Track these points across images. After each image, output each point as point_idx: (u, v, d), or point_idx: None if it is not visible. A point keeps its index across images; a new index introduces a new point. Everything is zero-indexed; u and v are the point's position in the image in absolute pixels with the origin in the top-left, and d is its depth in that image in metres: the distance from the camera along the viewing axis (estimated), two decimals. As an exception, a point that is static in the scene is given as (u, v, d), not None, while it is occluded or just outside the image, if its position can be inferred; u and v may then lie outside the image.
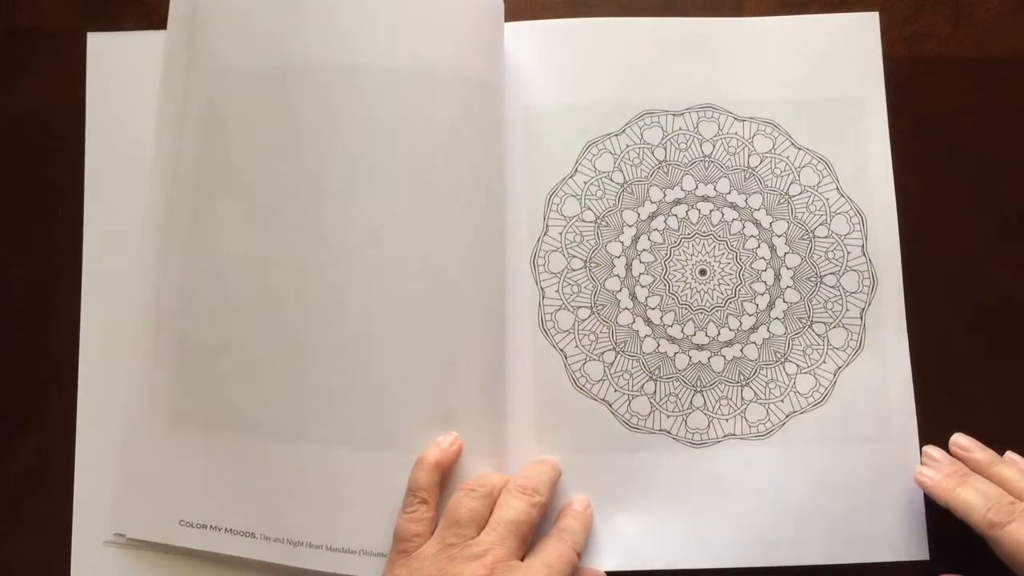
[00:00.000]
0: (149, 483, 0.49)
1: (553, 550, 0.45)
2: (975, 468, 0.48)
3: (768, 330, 0.51)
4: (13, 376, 0.52)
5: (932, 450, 0.49)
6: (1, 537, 0.51)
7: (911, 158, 0.52)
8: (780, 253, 0.52)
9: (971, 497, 0.45)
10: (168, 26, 0.53)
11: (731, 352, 0.51)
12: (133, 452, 0.50)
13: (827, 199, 0.52)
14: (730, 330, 0.51)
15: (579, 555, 0.46)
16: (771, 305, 0.51)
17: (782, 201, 0.52)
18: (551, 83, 0.53)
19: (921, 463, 0.49)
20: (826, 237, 0.52)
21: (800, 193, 0.52)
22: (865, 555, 0.48)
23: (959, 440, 0.49)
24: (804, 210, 0.52)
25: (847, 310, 0.51)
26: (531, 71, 0.53)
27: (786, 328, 0.51)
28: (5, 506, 0.51)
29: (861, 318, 0.51)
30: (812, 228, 0.52)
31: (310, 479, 0.48)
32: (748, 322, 0.51)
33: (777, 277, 0.51)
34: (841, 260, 0.51)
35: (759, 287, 0.51)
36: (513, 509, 0.45)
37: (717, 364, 0.51)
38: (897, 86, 0.53)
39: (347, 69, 0.50)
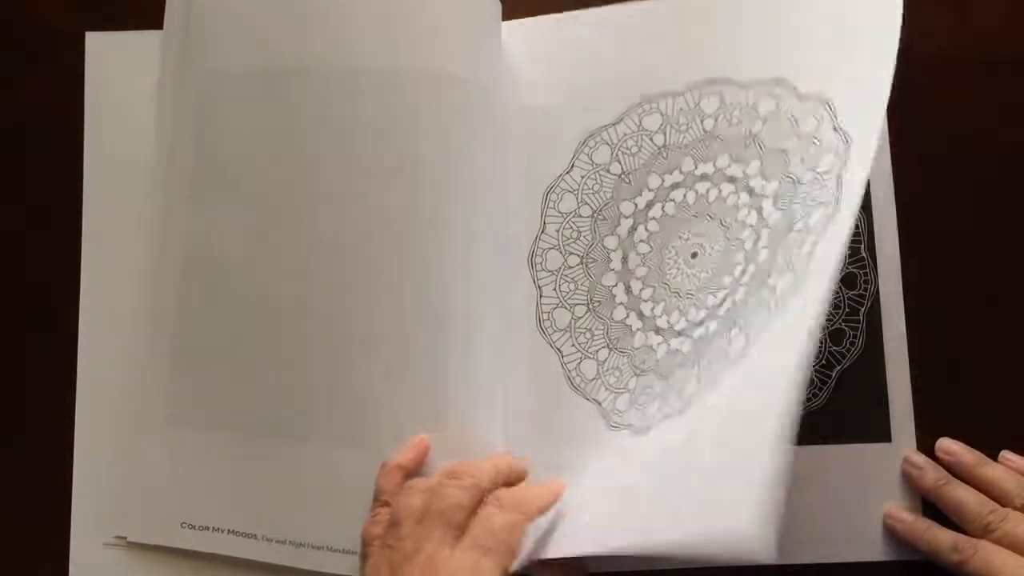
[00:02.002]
0: (150, 485, 0.49)
1: (476, 522, 0.42)
2: (961, 471, 0.48)
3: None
4: (11, 377, 0.52)
5: (916, 456, 0.48)
6: (-1, 537, 0.51)
7: (911, 158, 0.52)
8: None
9: (940, 536, 0.46)
10: (164, 28, 0.53)
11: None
12: (133, 454, 0.50)
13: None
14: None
15: (524, 516, 0.43)
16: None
17: (785, 180, 0.48)
18: (548, 79, 0.52)
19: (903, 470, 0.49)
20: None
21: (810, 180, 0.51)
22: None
23: (944, 445, 0.48)
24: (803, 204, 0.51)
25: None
26: (527, 68, 0.53)
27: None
28: (3, 508, 0.51)
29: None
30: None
31: (310, 480, 0.48)
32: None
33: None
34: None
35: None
36: (440, 498, 0.43)
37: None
38: (897, 86, 0.53)
39: (341, 69, 0.50)
